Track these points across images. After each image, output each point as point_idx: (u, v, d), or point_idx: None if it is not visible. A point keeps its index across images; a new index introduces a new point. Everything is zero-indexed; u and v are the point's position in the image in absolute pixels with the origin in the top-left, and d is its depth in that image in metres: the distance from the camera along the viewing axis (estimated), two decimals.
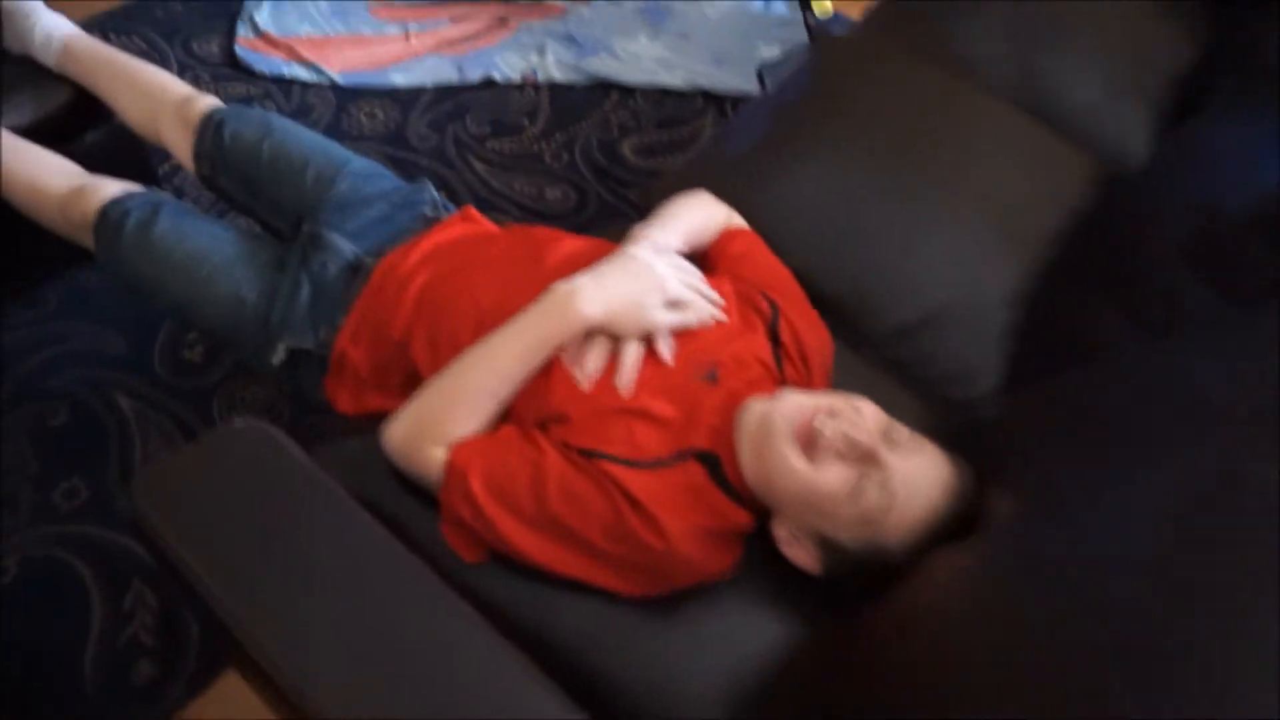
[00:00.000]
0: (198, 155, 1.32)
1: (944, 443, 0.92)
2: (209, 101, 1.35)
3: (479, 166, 2.02)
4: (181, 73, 2.13)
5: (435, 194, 1.26)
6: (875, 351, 1.24)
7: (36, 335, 1.63)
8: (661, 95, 2.23)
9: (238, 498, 0.89)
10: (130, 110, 1.42)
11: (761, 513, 0.93)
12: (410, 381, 1.05)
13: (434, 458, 0.93)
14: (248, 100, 2.09)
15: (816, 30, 2.43)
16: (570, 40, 2.31)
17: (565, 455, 0.91)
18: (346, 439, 1.08)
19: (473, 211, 1.23)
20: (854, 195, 1.31)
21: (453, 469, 0.91)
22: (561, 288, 0.95)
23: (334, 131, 2.05)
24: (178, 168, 1.78)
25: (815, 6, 2.48)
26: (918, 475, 0.86)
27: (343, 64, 2.19)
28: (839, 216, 1.30)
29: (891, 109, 1.43)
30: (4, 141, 1.33)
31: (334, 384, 1.13)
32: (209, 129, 1.31)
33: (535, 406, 0.96)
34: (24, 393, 1.56)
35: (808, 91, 1.52)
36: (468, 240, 1.17)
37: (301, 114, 2.08)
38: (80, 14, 1.55)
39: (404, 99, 2.14)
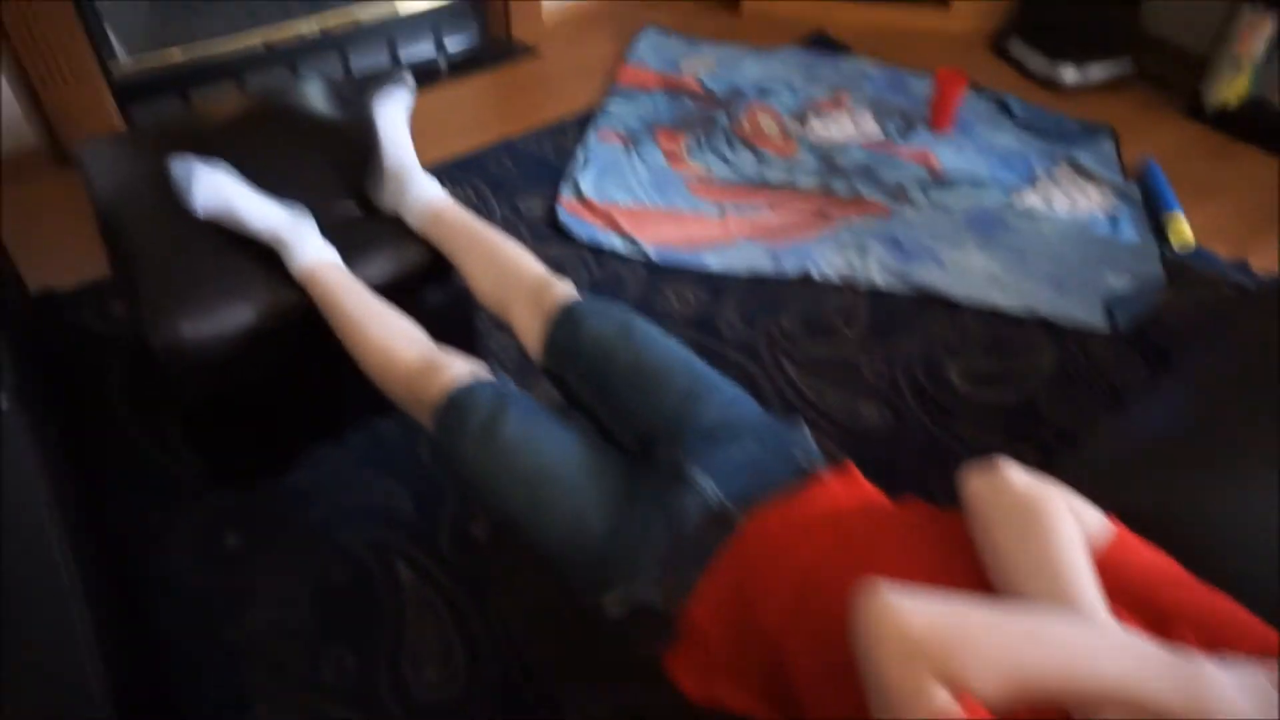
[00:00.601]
0: (548, 346, 1.23)
1: None
2: (565, 290, 1.27)
3: (790, 368, 1.87)
4: (504, 228, 2.16)
5: (808, 437, 1.09)
6: None
7: (335, 479, 1.60)
8: (992, 316, 2.01)
9: None
10: (482, 282, 1.37)
11: None
12: (775, 683, 0.85)
13: (926, 690, 0.66)
14: (559, 263, 2.07)
15: (1173, 264, 2.15)
16: (894, 243, 2.16)
17: None
18: None
19: (854, 471, 1.05)
20: None
21: None
22: (1210, 670, 0.67)
23: (642, 308, 1.97)
24: (499, 332, 1.74)
25: (1173, 237, 2.21)
26: None
27: (657, 238, 2.14)
28: None
29: None
30: (367, 301, 1.31)
31: (677, 656, 0.94)
32: (566, 321, 1.22)
33: None
34: (314, 541, 1.51)
35: (1242, 364, 1.25)
36: (858, 511, 0.97)
37: (612, 285, 2.03)
38: (428, 158, 1.57)
39: (716, 284, 2.05)
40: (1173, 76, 2.77)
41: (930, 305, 2.03)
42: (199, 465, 1.61)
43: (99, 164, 1.56)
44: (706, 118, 2.55)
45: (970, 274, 2.10)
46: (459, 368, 1.19)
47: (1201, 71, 2.63)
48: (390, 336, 1.26)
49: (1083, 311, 2.02)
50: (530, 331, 1.27)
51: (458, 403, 1.13)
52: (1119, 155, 2.50)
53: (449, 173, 2.30)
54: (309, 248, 1.33)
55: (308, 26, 2.57)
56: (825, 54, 2.88)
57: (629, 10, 3.11)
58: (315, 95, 1.72)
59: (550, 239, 2.15)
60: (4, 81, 2.18)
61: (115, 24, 2.29)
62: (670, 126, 2.51)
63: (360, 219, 1.46)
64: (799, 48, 2.91)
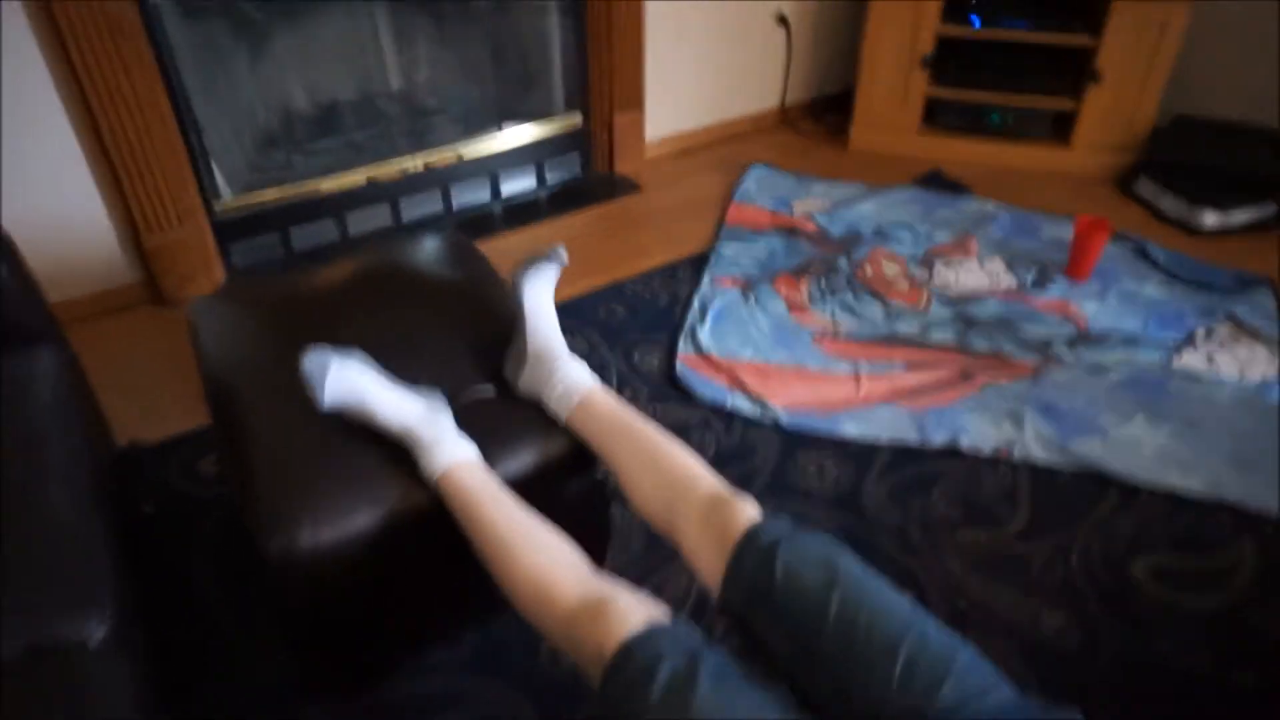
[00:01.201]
0: (729, 581, 1.04)
1: None
2: (748, 511, 1.08)
3: (952, 563, 1.64)
4: (620, 386, 2.00)
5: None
6: None
7: (445, 690, 1.40)
8: (1171, 500, 1.78)
9: None
10: (641, 489, 1.19)
11: None
12: None
13: None
14: (684, 428, 1.89)
15: None
16: (1049, 411, 1.95)
17: None
18: None
19: None
20: None
21: None
22: None
23: (778, 483, 1.78)
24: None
25: None
26: None
27: (788, 400, 1.96)
28: None
29: None
30: (513, 515, 1.13)
31: None
32: (752, 553, 1.03)
33: None
34: None
35: None
36: None
37: (743, 455, 1.84)
38: None
39: (856, 454, 1.85)
40: None
41: (1100, 485, 1.80)
42: (292, 670, 1.42)
43: (209, 324, 1.44)
44: (826, 262, 2.40)
45: (1140, 449, 1.87)
46: (632, 610, 0.99)
47: None
48: (546, 565, 1.07)
49: (1271, 495, 1.78)
50: (705, 559, 1.08)
51: (635, 657, 0.93)
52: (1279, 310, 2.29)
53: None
54: (445, 447, 1.17)
55: (412, 163, 2.50)
56: (943, 194, 2.74)
57: (732, 144, 3.02)
58: (433, 254, 1.60)
59: (670, 398, 1.98)
60: (106, 219, 2.11)
61: (221, 162, 2.23)
62: (789, 272, 2.36)
63: (497, 403, 1.30)
64: (915, 187, 2.77)
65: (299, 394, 1.23)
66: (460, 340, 1.39)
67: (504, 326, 1.38)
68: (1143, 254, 2.47)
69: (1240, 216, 2.60)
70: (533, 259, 1.32)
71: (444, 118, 2.64)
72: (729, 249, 2.44)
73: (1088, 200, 2.73)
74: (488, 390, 1.30)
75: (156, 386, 1.96)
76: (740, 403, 1.95)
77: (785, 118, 3.15)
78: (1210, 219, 2.59)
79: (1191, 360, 2.11)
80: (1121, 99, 2.70)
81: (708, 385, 1.99)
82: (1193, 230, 2.61)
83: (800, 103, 3.17)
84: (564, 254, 1.32)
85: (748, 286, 2.30)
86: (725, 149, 2.99)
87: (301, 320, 1.40)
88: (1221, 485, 1.79)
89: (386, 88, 2.57)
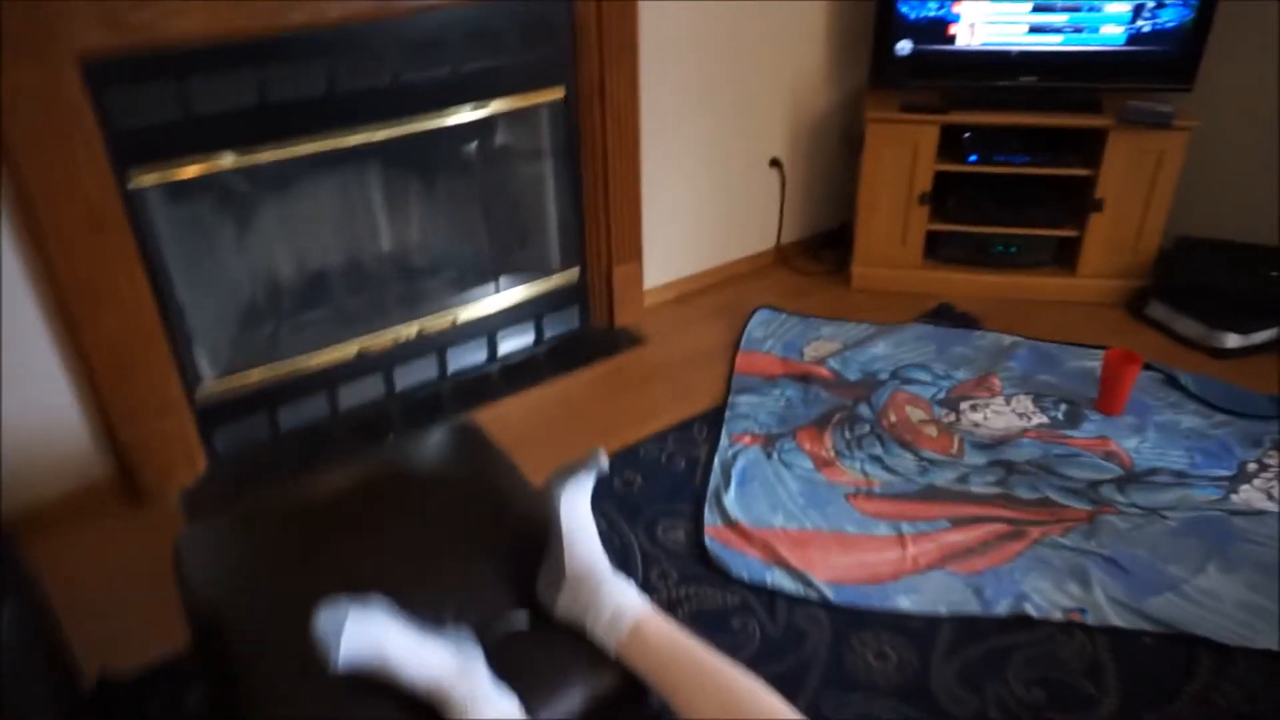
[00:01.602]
0: None
1: None
2: None
3: None
4: (646, 568, 1.82)
5: None
6: None
7: None
8: (1268, 659, 1.61)
9: None
10: None
11: None
12: None
13: None
14: (724, 614, 1.71)
15: None
16: (1115, 567, 1.79)
17: None
18: None
19: None
20: None
21: None
22: None
23: (835, 675, 1.59)
24: None
25: None
26: None
27: (831, 572, 1.79)
28: None
29: None
30: None
31: None
32: None
33: None
34: None
35: None
36: None
37: (793, 643, 1.65)
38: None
39: (916, 630, 1.68)
40: None
41: (1193, 651, 1.63)
42: None
43: (197, 558, 1.27)
44: (848, 411, 2.28)
45: (1223, 605, 1.71)
46: None
47: None
48: None
49: None
50: None
51: None
52: None
53: None
54: (481, 706, 0.99)
55: (406, 331, 2.38)
56: (956, 329, 2.66)
57: (731, 288, 2.95)
58: (442, 452, 1.45)
59: (703, 579, 1.80)
60: (79, 415, 1.95)
61: (204, 344, 2.10)
62: (811, 425, 2.23)
63: (533, 634, 1.13)
64: (926, 323, 2.69)
65: (305, 641, 1.05)
66: (484, 558, 1.23)
67: (529, 533, 1.22)
68: (1172, 382, 2.38)
69: (1262, 336, 2.53)
70: (569, 467, 1.17)
71: (438, 280, 2.54)
72: (743, 402, 2.32)
73: (1101, 326, 2.66)
74: (521, 620, 1.13)
75: (133, 603, 1.76)
76: (781, 579, 1.78)
77: (782, 257, 3.10)
78: (1232, 340, 2.51)
79: (1250, 496, 1.98)
80: (1125, 225, 2.67)
81: (742, 561, 1.83)
82: (1215, 353, 2.53)
83: (796, 241, 3.13)
84: (604, 460, 1.17)
85: (769, 442, 2.16)
86: (725, 293, 2.92)
87: (302, 547, 1.24)
88: None
89: (377, 251, 2.48)
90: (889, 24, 2.61)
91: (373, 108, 2.06)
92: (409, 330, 2.38)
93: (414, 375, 2.44)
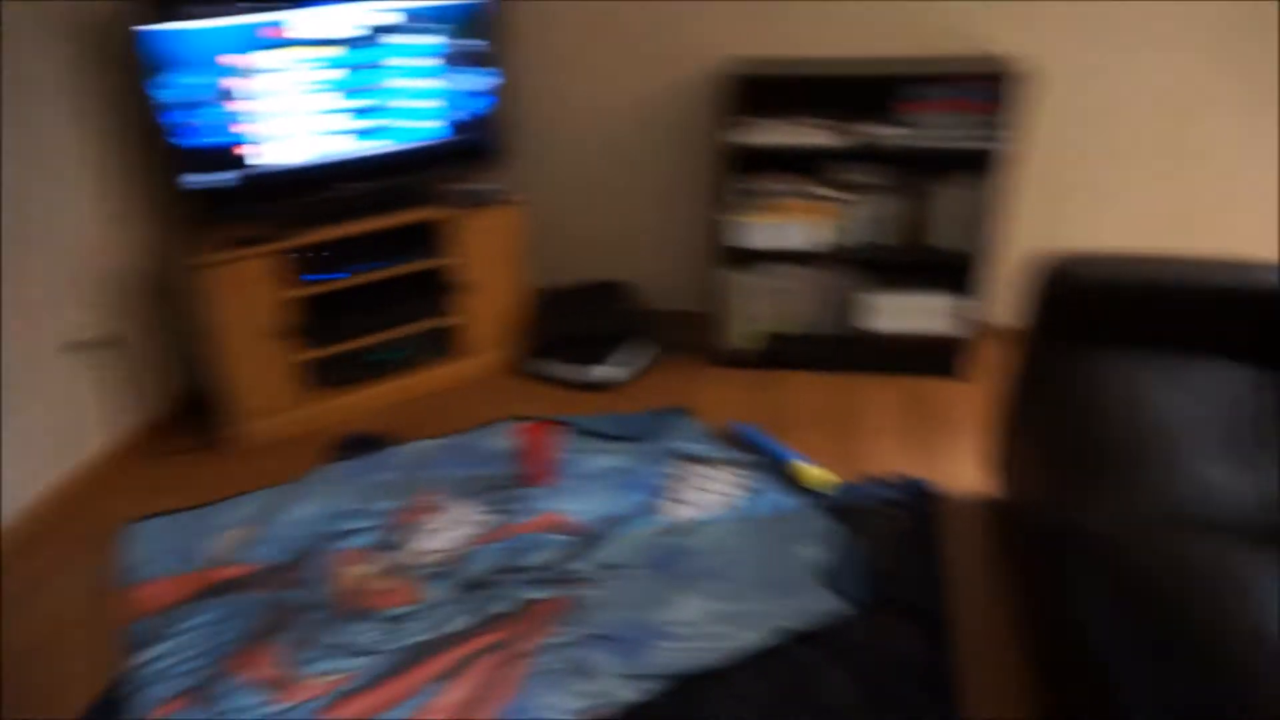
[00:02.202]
0: None
1: None
2: None
3: None
4: None
5: None
6: None
7: None
8: (758, 660, 1.72)
9: None
10: None
11: None
12: None
13: None
14: None
15: (841, 512, 2.12)
16: (609, 640, 1.77)
17: None
18: None
19: None
20: None
21: None
22: None
23: None
24: None
25: (815, 485, 2.20)
26: None
27: None
28: None
29: None
30: None
31: None
32: None
33: None
34: None
35: None
36: None
37: None
38: None
39: None
40: (686, 340, 2.92)
41: (697, 688, 1.67)
42: None
43: None
44: (285, 605, 1.91)
45: (699, 627, 1.80)
46: None
47: (709, 327, 2.81)
48: None
49: (817, 602, 1.85)
50: None
51: None
52: (707, 431, 2.48)
53: None
54: None
55: None
56: (370, 456, 2.44)
57: (87, 508, 2.31)
58: None
59: None
60: None
61: None
62: (246, 645, 1.81)
63: None
64: (336, 463, 2.42)
65: None
66: None
67: None
68: (579, 429, 2.50)
69: (622, 359, 2.81)
70: None
71: None
72: (155, 655, 1.80)
73: (500, 398, 2.71)
74: None
75: None
76: None
77: (138, 451, 2.54)
78: (598, 373, 2.74)
79: (676, 511, 2.15)
80: (492, 298, 2.77)
81: None
82: (592, 387, 2.74)
83: (147, 424, 2.60)
84: None
85: (202, 693, 1.70)
86: (82, 517, 2.28)
87: None
88: (779, 618, 1.80)
89: None
90: (174, 161, 2.28)
91: None
92: None
93: None
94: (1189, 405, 1.57)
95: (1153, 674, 1.13)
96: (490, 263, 2.73)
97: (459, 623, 1.84)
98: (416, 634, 1.82)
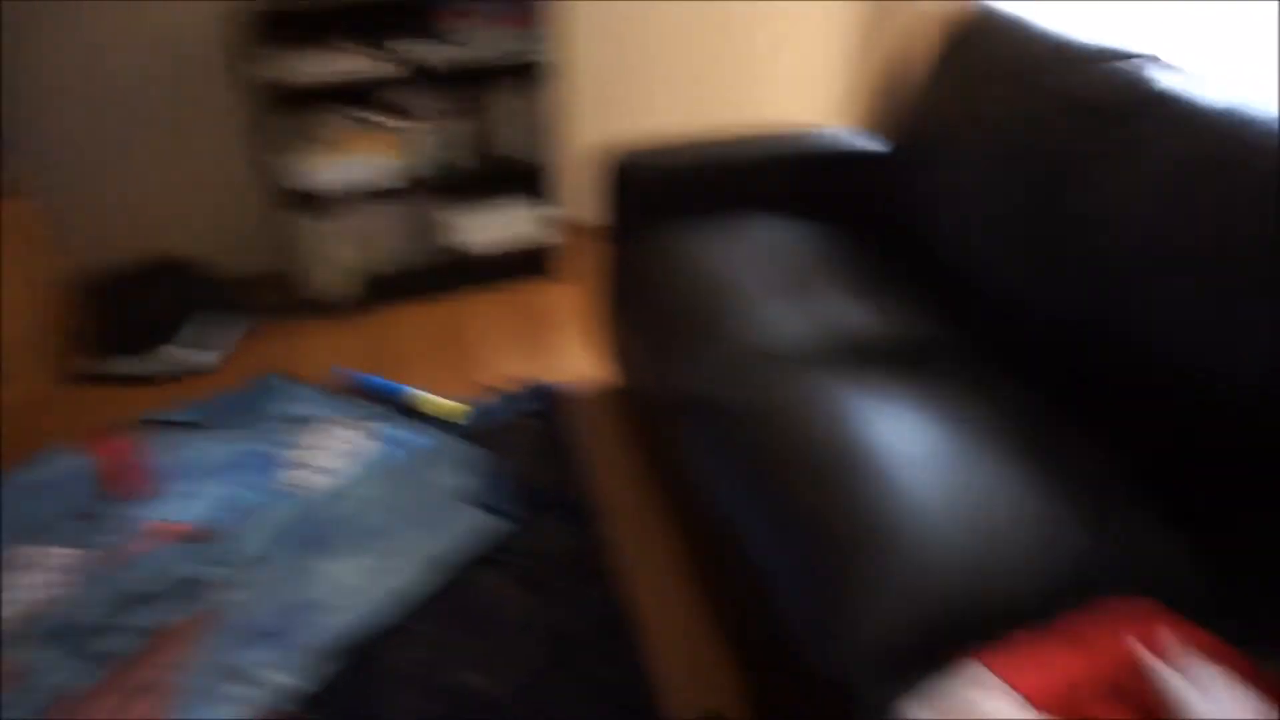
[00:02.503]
0: None
1: None
2: None
3: None
4: None
5: None
6: None
7: None
8: (427, 607, 1.70)
9: None
10: None
11: None
12: None
13: None
14: None
15: (476, 436, 2.14)
16: (260, 638, 1.63)
17: None
18: None
19: None
20: None
21: None
22: None
23: None
24: None
25: (443, 415, 2.19)
26: None
27: None
28: None
29: None
30: None
31: None
32: None
33: None
34: None
35: None
36: None
37: None
38: None
39: None
40: (276, 301, 2.69)
41: (375, 648, 1.61)
42: None
43: None
44: None
45: (358, 588, 1.73)
46: None
47: (295, 282, 2.61)
48: None
49: (473, 526, 1.86)
50: None
51: None
52: (313, 388, 2.33)
53: None
54: None
55: None
56: None
57: None
58: None
59: None
60: None
61: None
62: None
63: None
64: None
65: None
66: None
67: None
68: (169, 426, 2.20)
69: (204, 338, 2.51)
70: None
71: None
72: None
73: (64, 415, 2.28)
74: None
75: None
76: None
77: None
78: (175, 356, 2.43)
79: (306, 483, 2.01)
80: (13, 308, 2.26)
81: None
82: (181, 376, 2.43)
83: None
84: None
85: None
86: None
87: None
88: (432, 553, 1.79)
89: None
90: None
91: None
92: None
93: None
94: (752, 261, 1.79)
95: (767, 502, 1.30)
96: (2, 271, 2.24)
97: (85, 675, 1.57)
98: (26, 713, 1.52)
